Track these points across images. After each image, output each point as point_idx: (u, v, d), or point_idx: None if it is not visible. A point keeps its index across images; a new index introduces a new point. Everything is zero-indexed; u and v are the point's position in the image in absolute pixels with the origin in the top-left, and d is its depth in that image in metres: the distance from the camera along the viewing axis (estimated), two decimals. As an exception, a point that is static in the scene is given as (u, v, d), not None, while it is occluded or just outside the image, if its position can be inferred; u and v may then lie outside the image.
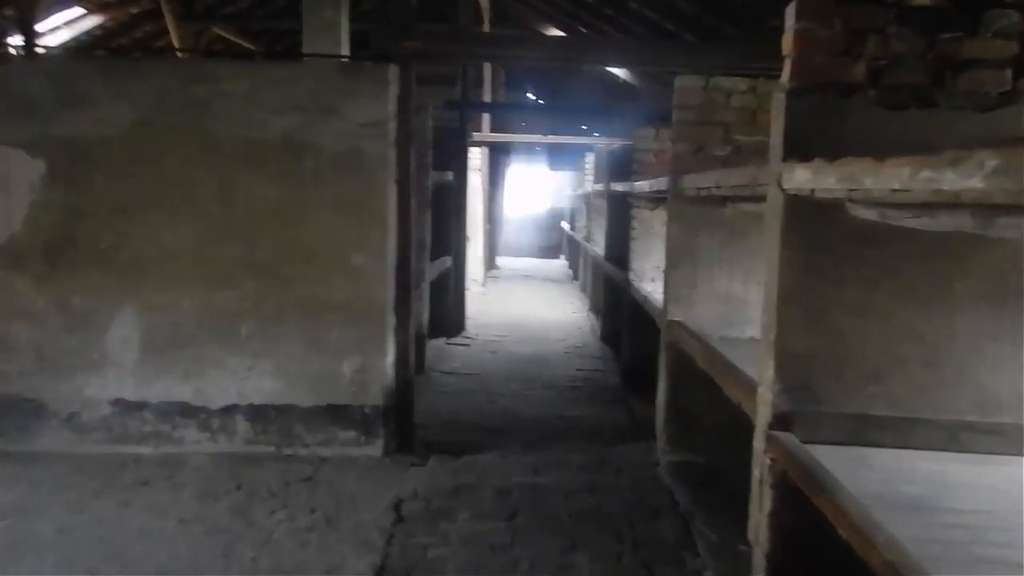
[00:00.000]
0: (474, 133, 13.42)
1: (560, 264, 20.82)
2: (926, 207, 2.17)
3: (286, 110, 5.20)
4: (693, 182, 4.67)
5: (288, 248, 5.26)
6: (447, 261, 9.52)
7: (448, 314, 9.80)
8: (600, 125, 13.84)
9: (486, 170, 14.56)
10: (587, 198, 13.55)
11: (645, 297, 6.45)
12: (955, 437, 2.80)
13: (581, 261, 14.69)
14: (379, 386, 5.32)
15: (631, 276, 7.48)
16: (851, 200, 2.59)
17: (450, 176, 9.43)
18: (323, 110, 5.20)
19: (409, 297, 5.45)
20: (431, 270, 8.27)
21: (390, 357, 5.38)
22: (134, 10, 13.25)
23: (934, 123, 2.80)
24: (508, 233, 22.83)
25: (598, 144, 12.33)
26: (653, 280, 7.44)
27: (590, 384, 7.75)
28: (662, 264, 7.50)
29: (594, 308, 11.90)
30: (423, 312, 7.69)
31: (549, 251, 22.98)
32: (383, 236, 5.27)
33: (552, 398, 7.17)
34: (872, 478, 2.58)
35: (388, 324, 5.34)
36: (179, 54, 11.95)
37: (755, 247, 5.06)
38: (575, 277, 16.48)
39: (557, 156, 21.22)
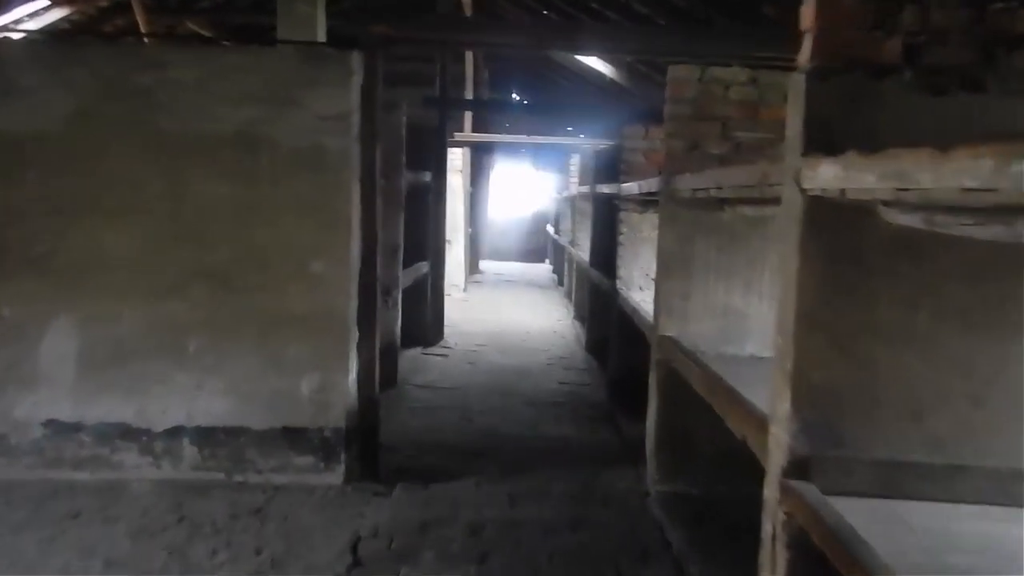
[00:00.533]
0: (455, 133, 12.96)
1: (545, 268, 20.35)
2: (995, 212, 1.70)
3: (240, 101, 4.71)
4: (688, 183, 4.20)
5: (241, 254, 4.76)
6: (424, 267, 9.03)
7: (425, 322, 9.30)
8: (587, 126, 13.38)
9: (468, 171, 14.08)
10: (572, 201, 13.10)
11: (635, 308, 5.98)
12: (1007, 489, 2.33)
13: (566, 266, 14.22)
14: (341, 406, 4.82)
15: (619, 284, 7.02)
16: (886, 203, 2.12)
17: (427, 176, 8.94)
18: (281, 101, 4.71)
19: (374, 308, 4.95)
20: (405, 276, 7.79)
21: (353, 374, 4.89)
22: (103, 2, 12.72)
23: (983, 110, 2.34)
24: (491, 236, 22.36)
25: (584, 145, 11.87)
26: (642, 288, 6.99)
27: (575, 399, 7.27)
28: (652, 271, 7.04)
29: (579, 316, 11.43)
30: (396, 322, 7.20)
31: (534, 255, 22.51)
32: (345, 241, 4.77)
33: (534, 415, 6.68)
34: (913, 543, 2.11)
35: (351, 338, 4.85)
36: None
37: (756, 255, 4.63)
38: (560, 283, 16.01)
39: (542, 158, 20.78)
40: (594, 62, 12.64)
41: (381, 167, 6.93)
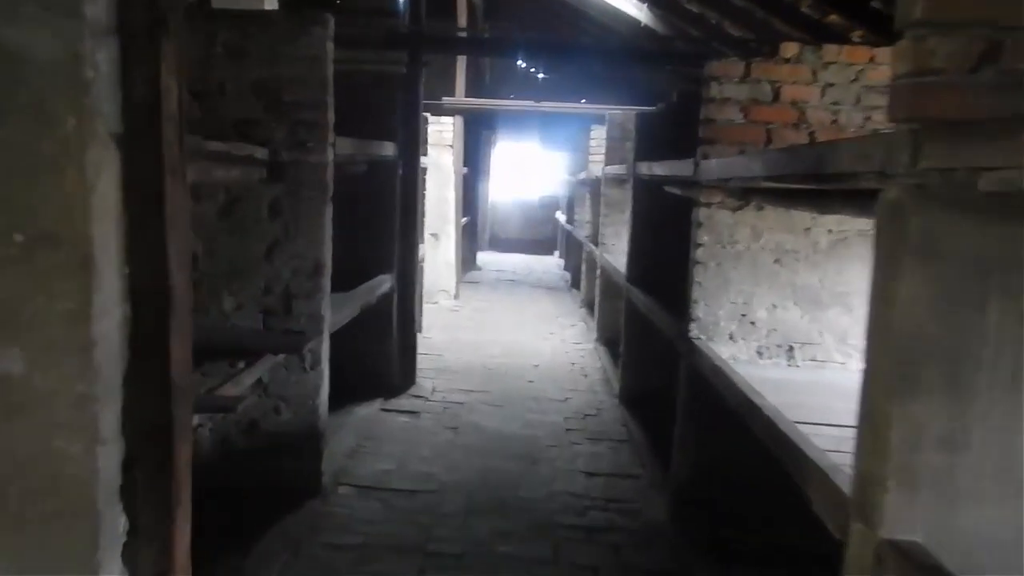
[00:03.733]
0: (444, 99, 10.08)
1: (554, 263, 17.35)
2: None
3: None
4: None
5: None
6: (386, 282, 6.12)
7: (389, 362, 6.41)
8: (618, 89, 10.41)
9: (461, 147, 11.14)
10: (594, 185, 10.16)
11: (773, 421, 3.00)
12: None
13: (584, 266, 11.27)
14: None
15: (693, 329, 4.13)
16: None
17: (390, 150, 6.02)
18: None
19: (171, 452, 2.05)
20: (348, 305, 4.90)
21: (116, 621, 2.01)
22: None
23: None
24: (492, 225, 19.46)
25: (613, 111, 8.95)
26: (733, 338, 4.11)
27: (615, 515, 4.39)
28: (751, 309, 4.17)
29: (604, 339, 8.54)
30: (318, 390, 4.30)
31: (541, 247, 19.47)
32: (80, 296, 1.85)
33: (549, 565, 3.81)
34: None
35: (107, 539, 1.95)
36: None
37: None
38: (574, 284, 13.07)
39: (552, 131, 17.77)
40: (623, 4, 9.70)
41: (280, 136, 4.07)
